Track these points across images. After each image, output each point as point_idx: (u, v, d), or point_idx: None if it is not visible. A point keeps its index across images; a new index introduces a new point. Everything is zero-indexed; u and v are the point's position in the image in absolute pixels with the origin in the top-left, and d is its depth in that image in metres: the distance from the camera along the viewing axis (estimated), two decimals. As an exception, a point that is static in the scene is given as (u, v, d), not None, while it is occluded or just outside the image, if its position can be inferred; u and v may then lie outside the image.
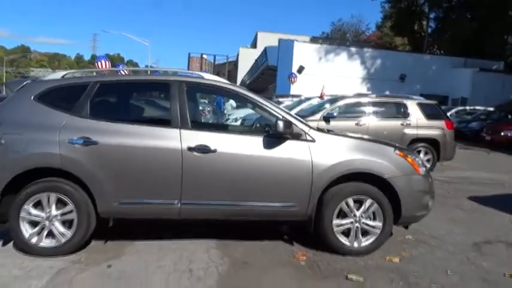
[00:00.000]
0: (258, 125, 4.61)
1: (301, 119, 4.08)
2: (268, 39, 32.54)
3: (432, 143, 8.81)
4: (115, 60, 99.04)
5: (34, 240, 3.58)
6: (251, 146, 3.74)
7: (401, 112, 8.92)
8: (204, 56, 54.05)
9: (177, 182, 3.63)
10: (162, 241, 4.03)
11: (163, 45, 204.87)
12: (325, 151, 3.79)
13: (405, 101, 9.04)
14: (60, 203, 3.60)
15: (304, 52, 23.90)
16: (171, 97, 3.79)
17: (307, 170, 3.72)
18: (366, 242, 3.90)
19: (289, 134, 3.71)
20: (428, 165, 8.83)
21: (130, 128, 3.68)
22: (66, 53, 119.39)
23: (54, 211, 3.59)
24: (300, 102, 12.90)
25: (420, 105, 9.00)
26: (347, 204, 3.83)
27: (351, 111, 9.15)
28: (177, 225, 4.32)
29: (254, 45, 42.74)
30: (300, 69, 23.17)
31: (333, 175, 3.76)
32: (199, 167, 3.65)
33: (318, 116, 8.71)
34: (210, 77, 4.13)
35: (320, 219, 3.82)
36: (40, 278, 3.18)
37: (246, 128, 4.81)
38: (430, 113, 8.95)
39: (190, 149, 3.62)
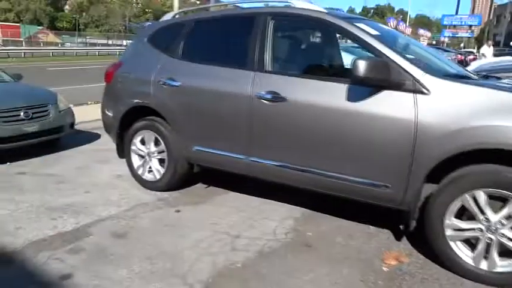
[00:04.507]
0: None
1: (413, 59, 2.66)
2: None
3: None
4: (385, 11, 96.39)
5: (140, 171, 3.91)
6: (331, 95, 2.74)
7: None
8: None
9: (245, 135, 3.12)
10: (254, 198, 3.65)
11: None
12: (444, 109, 2.37)
13: None
14: (158, 141, 3.74)
15: None
16: (252, 34, 3.19)
17: (407, 137, 2.45)
18: (506, 267, 2.32)
19: (381, 80, 2.49)
20: None
21: (208, 70, 3.35)
22: (340, 6, 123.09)
23: (152, 148, 3.78)
24: None
25: None
26: (474, 199, 2.34)
27: None
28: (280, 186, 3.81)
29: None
30: None
31: (451, 149, 2.33)
32: (267, 119, 2.99)
33: None
34: (301, 4, 3.14)
35: (425, 213, 2.50)
36: (120, 206, 3.46)
37: (339, 71, 3.55)
38: None
39: (259, 96, 3.00)
